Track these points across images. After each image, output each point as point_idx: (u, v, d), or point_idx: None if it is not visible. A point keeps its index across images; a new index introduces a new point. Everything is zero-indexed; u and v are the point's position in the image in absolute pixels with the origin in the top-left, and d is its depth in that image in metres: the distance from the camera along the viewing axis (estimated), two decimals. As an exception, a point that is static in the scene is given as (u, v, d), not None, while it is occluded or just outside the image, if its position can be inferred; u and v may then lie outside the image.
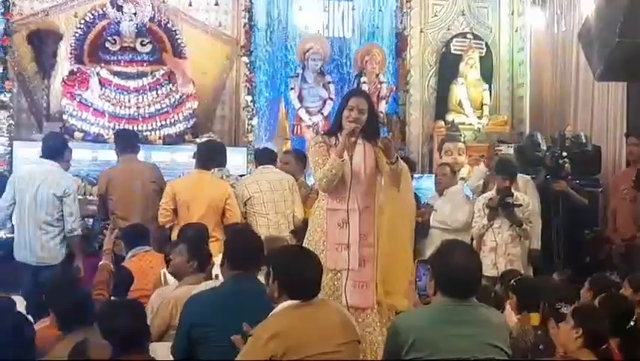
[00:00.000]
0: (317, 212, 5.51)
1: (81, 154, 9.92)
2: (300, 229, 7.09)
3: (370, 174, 5.43)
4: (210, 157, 7.84)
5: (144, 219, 7.51)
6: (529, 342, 5.10)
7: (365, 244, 5.32)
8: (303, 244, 5.43)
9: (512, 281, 6.03)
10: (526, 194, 8.15)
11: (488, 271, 7.59)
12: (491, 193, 8.04)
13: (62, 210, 7.39)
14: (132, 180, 7.78)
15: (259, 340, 3.75)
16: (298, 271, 3.93)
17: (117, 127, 10.45)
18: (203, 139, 10.64)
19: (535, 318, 5.35)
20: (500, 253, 7.82)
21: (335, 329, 3.93)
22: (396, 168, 5.36)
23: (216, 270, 5.40)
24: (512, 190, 7.93)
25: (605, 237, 9.13)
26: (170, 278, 5.80)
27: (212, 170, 7.81)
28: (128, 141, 8.11)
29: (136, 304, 4.36)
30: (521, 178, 8.39)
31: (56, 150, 7.62)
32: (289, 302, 3.88)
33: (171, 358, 4.43)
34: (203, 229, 6.52)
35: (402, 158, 5.78)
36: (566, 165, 8.80)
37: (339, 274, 5.27)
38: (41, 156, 7.65)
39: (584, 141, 9.69)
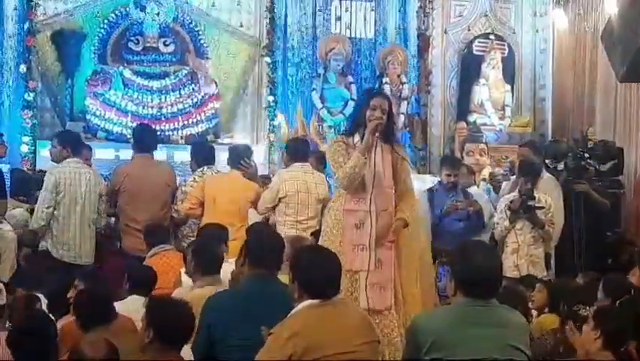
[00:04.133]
0: (331, 213, 5.51)
1: (104, 153, 10.00)
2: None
3: (389, 176, 5.44)
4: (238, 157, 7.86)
5: (153, 220, 7.52)
6: (549, 345, 5.09)
7: (382, 245, 5.32)
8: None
9: (543, 279, 6.01)
10: (545, 194, 8.10)
11: (509, 272, 7.58)
12: (513, 195, 8.00)
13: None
14: (144, 181, 7.75)
15: (279, 339, 3.76)
16: (317, 271, 3.92)
17: (138, 125, 10.53)
18: (226, 139, 10.72)
19: (552, 320, 5.35)
20: (522, 254, 7.78)
21: (355, 328, 3.93)
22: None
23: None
24: (535, 192, 7.89)
25: (627, 239, 9.08)
26: (185, 279, 5.82)
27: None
28: (144, 140, 8.09)
29: (185, 304, 4.32)
30: (543, 179, 8.34)
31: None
32: (309, 302, 3.88)
33: (192, 358, 4.44)
34: (218, 230, 6.44)
35: None
36: (588, 166, 8.75)
37: (356, 276, 5.27)
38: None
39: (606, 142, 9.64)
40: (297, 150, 7.91)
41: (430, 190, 8.33)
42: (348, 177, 5.34)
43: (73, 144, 7.70)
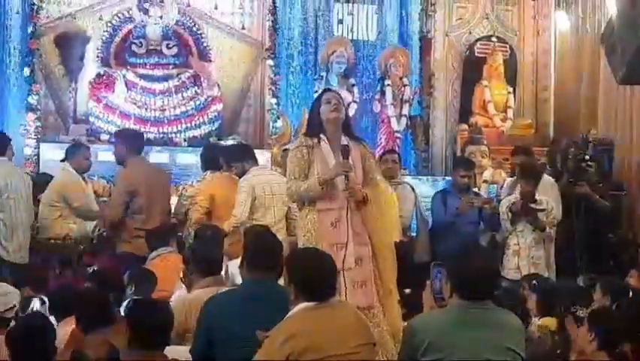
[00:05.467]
0: (303, 215, 5.45)
1: (107, 156, 9.95)
2: None
3: (359, 173, 5.41)
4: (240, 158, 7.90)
5: (163, 221, 7.54)
6: (547, 347, 5.11)
7: (359, 242, 5.31)
8: None
9: (534, 282, 6.04)
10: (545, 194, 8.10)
11: (511, 274, 7.60)
12: (514, 197, 8.00)
13: None
14: (158, 185, 7.80)
15: (275, 341, 3.78)
16: (313, 273, 3.95)
17: (143, 129, 10.60)
18: (229, 141, 10.75)
19: (551, 323, 5.36)
20: (523, 256, 7.78)
21: (351, 330, 3.95)
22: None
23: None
24: (536, 194, 7.90)
25: (628, 240, 9.09)
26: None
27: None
28: (139, 143, 8.09)
29: (164, 305, 4.44)
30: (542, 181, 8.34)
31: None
32: (305, 304, 3.89)
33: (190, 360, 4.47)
34: (214, 231, 6.51)
35: None
36: (589, 168, 8.77)
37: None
38: None
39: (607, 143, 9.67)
40: (249, 153, 7.88)
41: (443, 191, 8.38)
42: (298, 195, 5.38)
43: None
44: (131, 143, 7.99)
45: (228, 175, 7.79)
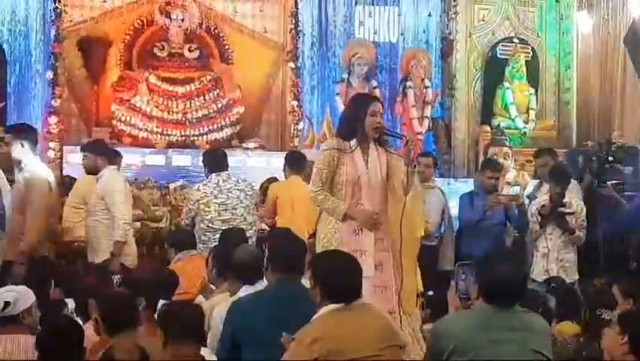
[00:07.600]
0: (326, 220, 5.43)
1: (130, 159, 10.04)
2: None
3: (384, 177, 5.42)
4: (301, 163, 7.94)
5: None
6: (571, 350, 5.08)
7: (380, 248, 5.30)
8: None
9: (552, 285, 6.00)
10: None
11: (540, 276, 7.58)
12: (544, 199, 7.97)
13: None
14: None
15: (301, 344, 3.78)
16: (339, 275, 3.94)
17: (165, 132, 10.67)
18: (250, 144, 10.79)
19: (572, 327, 5.33)
20: (552, 259, 7.75)
21: (377, 332, 3.94)
22: (413, 173, 5.35)
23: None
24: (566, 197, 7.85)
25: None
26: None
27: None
28: (36, 137, 7.64)
29: (195, 306, 4.50)
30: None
31: None
32: (331, 306, 3.89)
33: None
34: (238, 234, 6.53)
35: None
36: (611, 169, 8.72)
37: None
38: None
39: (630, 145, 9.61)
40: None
41: (470, 193, 8.36)
42: (320, 206, 5.40)
43: None
44: (33, 140, 7.16)
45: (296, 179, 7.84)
